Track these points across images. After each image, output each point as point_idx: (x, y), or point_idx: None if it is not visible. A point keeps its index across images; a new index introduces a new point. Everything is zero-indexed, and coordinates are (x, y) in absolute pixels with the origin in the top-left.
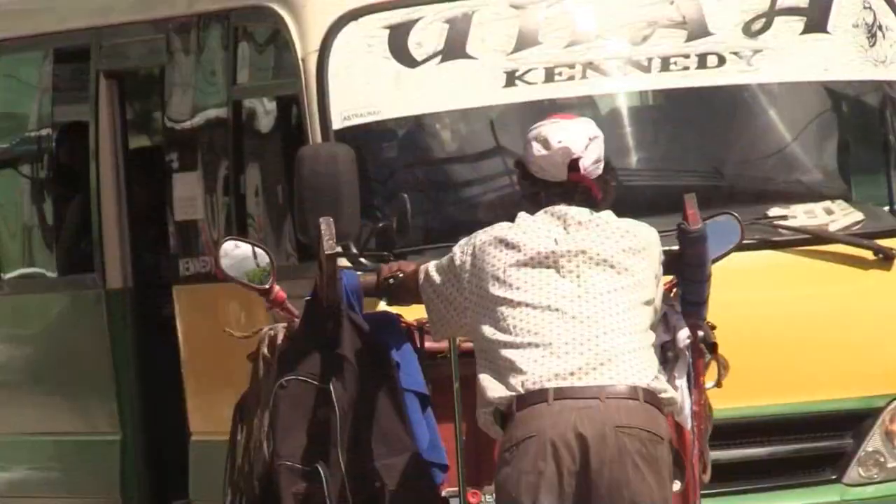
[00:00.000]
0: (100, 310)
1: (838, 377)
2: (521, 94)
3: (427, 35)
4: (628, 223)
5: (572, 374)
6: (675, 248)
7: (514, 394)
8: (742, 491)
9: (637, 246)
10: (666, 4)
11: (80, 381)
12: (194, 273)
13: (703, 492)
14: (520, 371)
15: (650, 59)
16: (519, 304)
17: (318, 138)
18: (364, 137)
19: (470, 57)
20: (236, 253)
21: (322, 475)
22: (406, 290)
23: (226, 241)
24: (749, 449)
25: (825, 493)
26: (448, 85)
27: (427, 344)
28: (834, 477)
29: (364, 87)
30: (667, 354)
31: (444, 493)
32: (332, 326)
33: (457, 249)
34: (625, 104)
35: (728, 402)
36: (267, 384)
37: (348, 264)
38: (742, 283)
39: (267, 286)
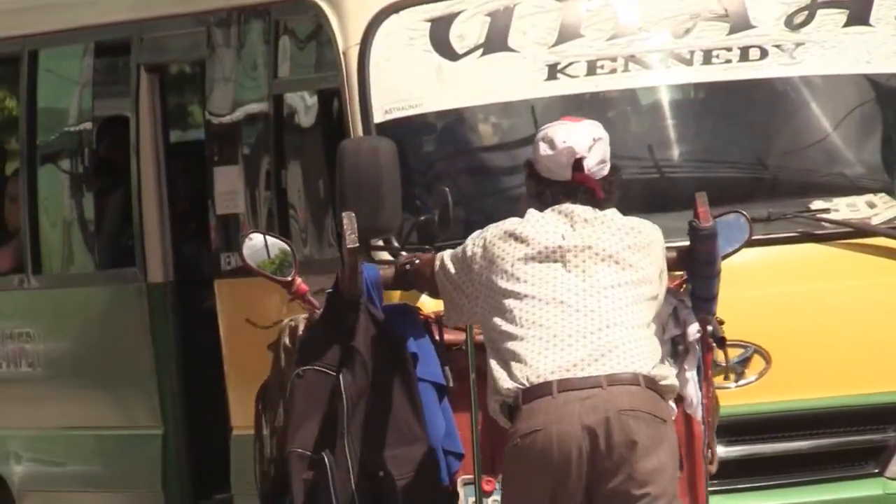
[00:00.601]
0: (141, 304)
1: (880, 370)
2: (562, 87)
3: (468, 28)
4: (633, 221)
5: (575, 365)
6: (686, 244)
7: (520, 387)
8: (785, 484)
9: (641, 243)
10: None
11: (122, 375)
12: (236, 267)
13: (746, 485)
14: (525, 363)
15: (692, 52)
16: (526, 296)
17: (360, 132)
18: (405, 131)
19: (512, 50)
20: (259, 245)
21: (327, 463)
22: (422, 277)
23: (250, 233)
24: (792, 442)
25: (867, 486)
26: (490, 78)
27: (446, 336)
28: (876, 470)
29: (405, 80)
30: (677, 348)
31: (459, 481)
32: (351, 318)
33: (469, 241)
34: (667, 97)
35: (770, 395)
36: (287, 373)
37: (388, 257)
38: (785, 276)
39: (289, 278)
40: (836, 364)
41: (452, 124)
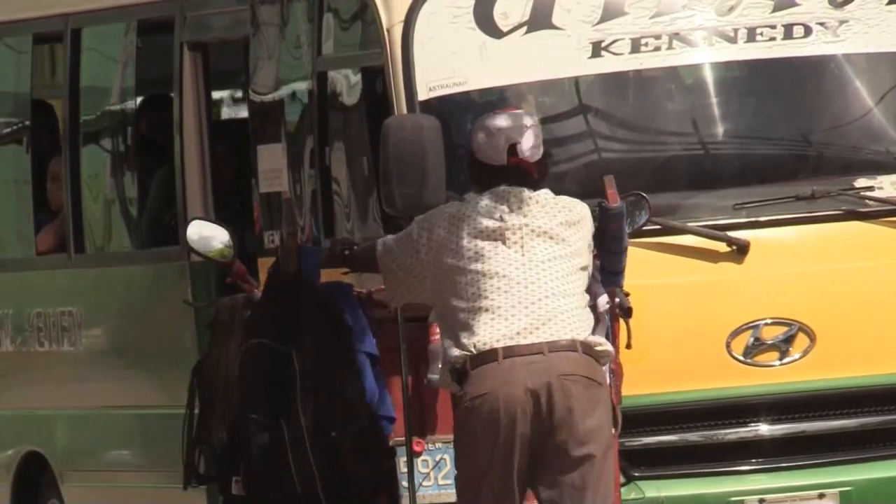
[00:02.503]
0: (184, 282)
1: None
2: (607, 64)
3: (513, 5)
4: (565, 200)
5: (518, 333)
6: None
7: (467, 353)
8: (830, 462)
9: (572, 219)
10: None
11: (164, 354)
12: (279, 245)
13: (791, 463)
14: (472, 333)
15: (736, 30)
16: (471, 271)
17: (404, 109)
18: (449, 108)
19: (556, 28)
20: (203, 231)
21: (283, 428)
22: (363, 260)
23: (192, 220)
24: (837, 420)
25: None
26: (534, 56)
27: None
28: None
29: (449, 57)
30: None
31: (391, 443)
32: (293, 295)
33: (414, 225)
34: (711, 75)
35: (815, 373)
36: (229, 348)
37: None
38: (829, 253)
39: (228, 261)
40: (881, 342)
41: (496, 102)
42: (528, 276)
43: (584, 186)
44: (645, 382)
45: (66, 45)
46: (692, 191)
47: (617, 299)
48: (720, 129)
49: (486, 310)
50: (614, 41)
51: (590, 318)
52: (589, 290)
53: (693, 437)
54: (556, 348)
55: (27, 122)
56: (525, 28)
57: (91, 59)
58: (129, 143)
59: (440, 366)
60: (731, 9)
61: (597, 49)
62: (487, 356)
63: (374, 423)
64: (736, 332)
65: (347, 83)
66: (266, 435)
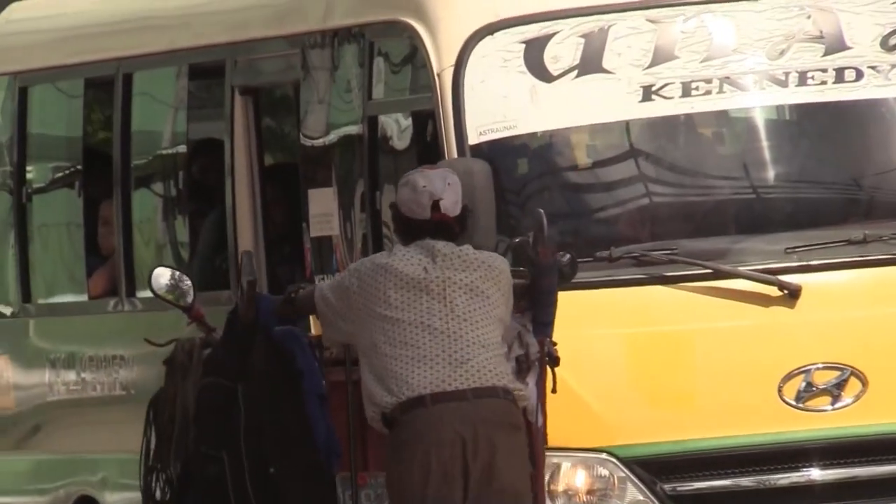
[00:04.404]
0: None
1: None
2: (657, 108)
3: (563, 49)
4: (484, 255)
5: (444, 380)
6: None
7: (397, 399)
8: None
9: (492, 274)
10: (803, 18)
11: None
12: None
13: None
14: (400, 379)
15: (787, 74)
16: (397, 321)
17: (454, 153)
18: (500, 152)
19: (606, 72)
20: (163, 277)
21: (226, 461)
22: (305, 303)
23: (155, 268)
24: (890, 466)
25: None
26: (584, 100)
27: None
28: None
29: (500, 101)
30: (521, 365)
31: (338, 477)
32: (248, 339)
33: (346, 273)
34: (762, 119)
35: (867, 418)
36: (186, 385)
37: None
38: (881, 298)
39: (187, 304)
40: None
41: (547, 146)
42: (451, 326)
43: (635, 230)
44: (697, 427)
45: (117, 90)
46: (743, 235)
47: (546, 348)
48: (771, 173)
49: (414, 358)
50: (665, 85)
51: (507, 364)
52: (521, 340)
53: (745, 482)
54: (480, 394)
55: (79, 167)
56: (576, 72)
57: (142, 103)
58: (180, 187)
59: (369, 409)
60: (782, 53)
61: (647, 93)
62: (416, 402)
63: (316, 458)
64: (788, 377)
65: (398, 127)
66: (211, 468)
